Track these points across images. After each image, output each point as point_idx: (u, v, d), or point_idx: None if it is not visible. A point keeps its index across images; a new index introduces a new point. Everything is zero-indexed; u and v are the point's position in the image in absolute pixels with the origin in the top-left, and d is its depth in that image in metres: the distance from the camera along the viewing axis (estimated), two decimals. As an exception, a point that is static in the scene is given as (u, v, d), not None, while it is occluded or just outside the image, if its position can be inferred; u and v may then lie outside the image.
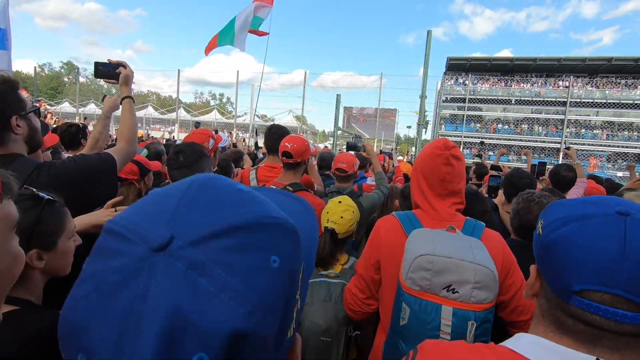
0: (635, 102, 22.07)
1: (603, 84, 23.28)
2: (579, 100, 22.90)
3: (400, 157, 9.71)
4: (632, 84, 22.91)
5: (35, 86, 21.27)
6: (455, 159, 1.24)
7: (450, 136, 22.30)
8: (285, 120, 21.65)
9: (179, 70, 15.88)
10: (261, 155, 4.84)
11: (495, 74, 25.31)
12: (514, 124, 25.26)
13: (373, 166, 2.73)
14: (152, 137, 12.57)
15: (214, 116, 27.75)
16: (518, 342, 0.58)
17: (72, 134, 2.97)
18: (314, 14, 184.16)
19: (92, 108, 25.31)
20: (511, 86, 24.42)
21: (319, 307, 1.41)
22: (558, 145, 22.27)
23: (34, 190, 0.92)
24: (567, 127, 23.18)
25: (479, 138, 21.67)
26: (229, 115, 27.58)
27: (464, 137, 23.52)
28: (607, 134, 23.08)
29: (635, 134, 22.81)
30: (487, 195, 2.83)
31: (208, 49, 7.56)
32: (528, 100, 23.82)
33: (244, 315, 0.28)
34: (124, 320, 0.26)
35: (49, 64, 56.19)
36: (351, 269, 1.57)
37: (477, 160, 5.13)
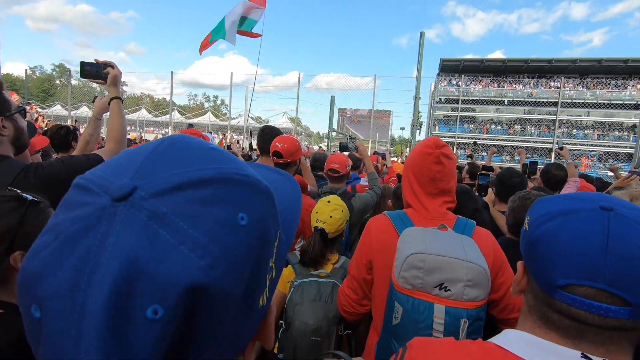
0: (625, 102, 22.43)
1: (593, 85, 23.65)
2: (570, 100, 23.25)
3: (395, 159, 9.75)
4: (622, 84, 23.29)
5: (27, 89, 21.01)
6: (445, 157, 1.24)
7: (444, 137, 22.48)
8: (280, 122, 21.62)
9: (172, 73, 15.74)
10: (255, 157, 4.83)
11: (488, 75, 25.59)
12: (506, 124, 25.53)
13: (366, 167, 2.73)
14: (146, 139, 12.48)
15: (208, 118, 27.64)
16: (505, 337, 0.58)
17: (62, 136, 2.95)
18: (308, 16, 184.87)
19: (84, 111, 25.06)
20: (504, 87, 24.73)
21: (309, 306, 1.41)
22: (550, 146, 22.54)
23: (18, 191, 0.91)
24: (559, 127, 23.50)
25: (472, 139, 21.85)
26: (223, 118, 27.49)
27: (458, 137, 23.72)
28: (598, 134, 23.43)
29: (625, 133, 23.17)
30: (477, 194, 2.84)
31: (202, 48, 7.60)
32: (520, 101, 24.13)
33: (204, 268, 0.27)
34: (80, 268, 0.25)
35: (40, 66, 55.76)
36: (342, 268, 1.57)
37: (469, 160, 5.17)
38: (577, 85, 24.00)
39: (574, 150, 21.61)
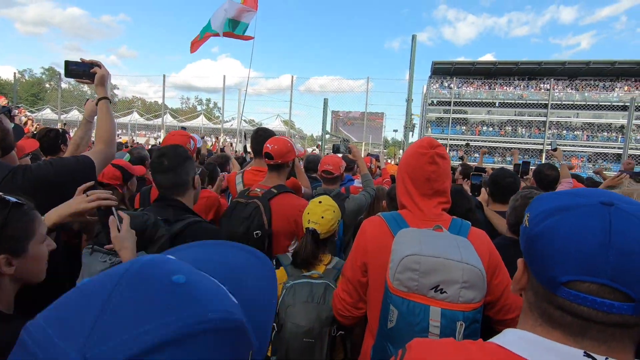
0: (613, 103, 22.87)
1: (582, 87, 24.08)
2: (559, 102, 23.63)
3: (389, 160, 9.79)
4: (610, 86, 23.76)
5: (15, 92, 20.69)
6: (440, 157, 1.23)
7: (437, 139, 22.48)
8: (273, 124, 21.59)
9: (164, 76, 15.61)
10: (249, 159, 4.81)
11: (479, 78, 25.92)
12: (498, 126, 25.85)
13: (359, 168, 2.73)
14: (137, 143, 12.36)
15: (200, 121, 27.50)
16: (505, 337, 0.57)
17: (51, 139, 2.89)
18: (301, 20, 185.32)
19: (74, 114, 24.78)
20: (495, 89, 25.06)
21: (301, 308, 1.39)
22: (541, 147, 22.86)
23: (1, 194, 0.89)
24: (549, 128, 23.86)
25: (464, 140, 22.08)
26: (216, 121, 27.37)
27: (450, 139, 23.93)
28: (587, 135, 23.84)
29: (613, 134, 23.62)
30: (470, 194, 2.86)
31: (193, 47, 7.66)
32: (511, 103, 24.47)
33: None
34: None
35: (30, 70, 55.02)
36: (335, 269, 1.56)
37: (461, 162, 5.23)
38: (567, 87, 24.43)
39: (564, 151, 21.85)
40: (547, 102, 23.63)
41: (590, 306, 0.49)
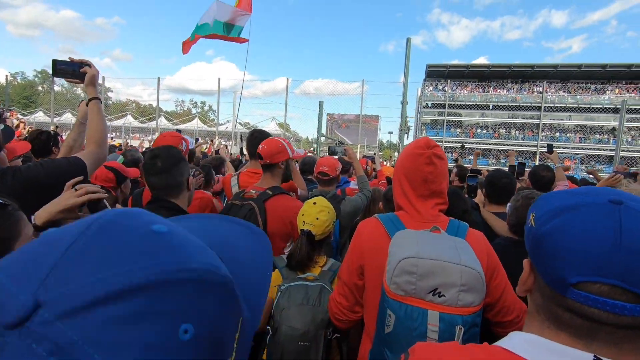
0: (605, 106, 23.18)
1: (574, 90, 24.39)
2: (552, 105, 23.90)
3: (385, 163, 9.82)
4: (601, 89, 24.10)
5: (7, 95, 20.50)
6: (437, 157, 1.21)
7: (432, 141, 22.74)
8: (269, 127, 21.53)
9: (159, 78, 15.52)
10: (244, 161, 4.78)
11: (473, 80, 26.13)
12: (492, 128, 26.07)
13: (355, 170, 2.72)
14: (131, 145, 12.27)
15: (195, 124, 27.37)
16: (511, 340, 0.55)
17: (43, 141, 2.85)
18: (296, 23, 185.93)
19: (68, 117, 24.54)
20: (488, 92, 25.29)
21: (296, 311, 1.37)
22: (534, 149, 23.08)
23: None
24: (542, 130, 24.11)
25: (459, 142, 22.23)
26: (211, 124, 27.27)
27: (445, 142, 24.07)
28: (579, 137, 24.12)
29: (605, 136, 23.93)
30: (466, 196, 2.85)
31: (184, 48, 7.66)
32: (505, 105, 24.72)
33: None
34: None
35: (22, 72, 54.36)
36: (330, 270, 1.55)
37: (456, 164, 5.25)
38: (559, 90, 24.73)
39: (558, 153, 22.19)
40: (540, 104, 23.90)
41: (601, 308, 0.47)
